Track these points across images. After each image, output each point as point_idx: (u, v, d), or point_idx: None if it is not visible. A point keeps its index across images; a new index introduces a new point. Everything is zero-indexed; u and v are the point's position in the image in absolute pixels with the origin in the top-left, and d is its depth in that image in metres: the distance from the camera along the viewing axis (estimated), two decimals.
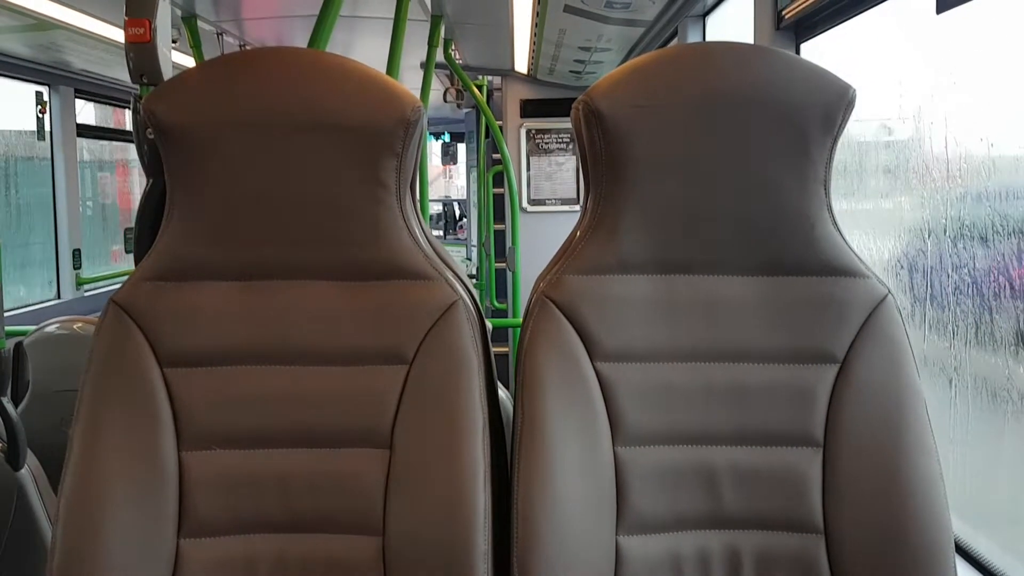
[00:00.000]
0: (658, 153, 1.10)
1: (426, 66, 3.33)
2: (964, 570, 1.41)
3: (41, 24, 3.13)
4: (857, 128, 1.78)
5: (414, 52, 3.43)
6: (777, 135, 1.09)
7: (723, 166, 1.10)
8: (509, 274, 4.61)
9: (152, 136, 1.13)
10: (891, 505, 1.06)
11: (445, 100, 5.05)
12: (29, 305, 4.02)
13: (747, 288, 1.12)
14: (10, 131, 4.14)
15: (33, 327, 2.18)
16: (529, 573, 1.04)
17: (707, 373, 1.11)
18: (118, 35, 3.32)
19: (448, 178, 11.51)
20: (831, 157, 1.11)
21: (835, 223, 1.12)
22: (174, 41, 2.84)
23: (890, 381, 1.09)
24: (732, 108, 1.09)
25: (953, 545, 1.07)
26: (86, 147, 4.99)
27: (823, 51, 1.94)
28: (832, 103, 1.09)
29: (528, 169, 4.91)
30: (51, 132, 4.12)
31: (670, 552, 1.09)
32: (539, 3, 2.96)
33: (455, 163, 10.08)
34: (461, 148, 9.19)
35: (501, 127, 4.73)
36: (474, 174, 6.78)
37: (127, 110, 5.02)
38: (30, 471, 1.72)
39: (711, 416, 1.11)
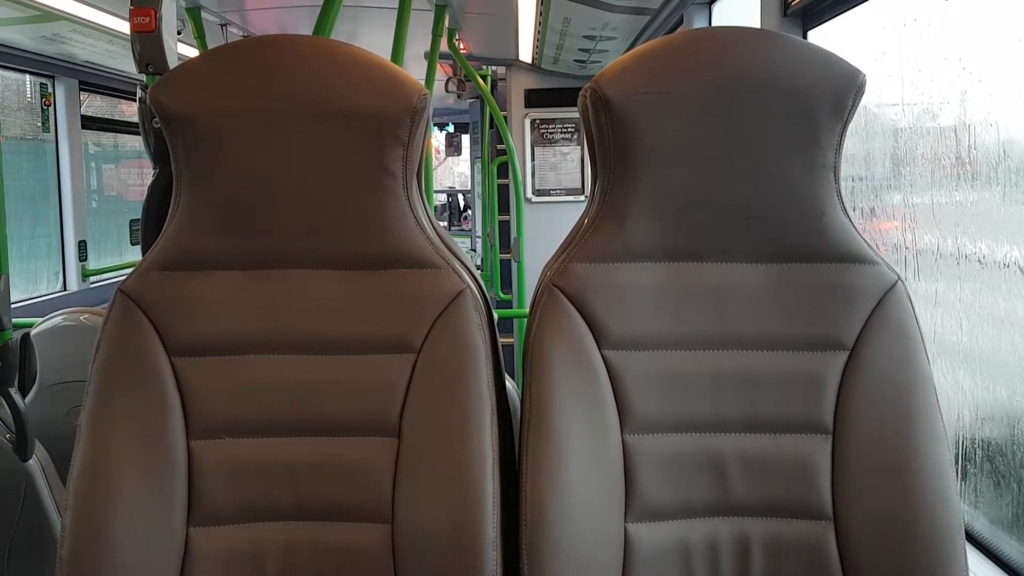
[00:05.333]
0: (666, 140, 1.09)
1: (430, 56, 3.31)
2: (974, 556, 1.41)
3: (45, 15, 3.13)
4: None
5: (418, 42, 3.41)
6: (786, 121, 1.09)
7: (732, 152, 1.10)
8: (514, 265, 4.60)
9: (158, 125, 1.13)
10: (901, 492, 1.06)
11: (447, 90, 5.03)
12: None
13: (756, 276, 1.12)
14: None
15: (39, 319, 2.18)
16: (538, 560, 1.04)
17: (716, 361, 1.11)
18: (123, 27, 3.32)
19: (438, 159, 11.00)
20: (841, 143, 1.10)
21: (844, 209, 1.11)
22: (178, 32, 2.84)
23: (900, 368, 1.09)
24: (741, 94, 1.08)
25: (963, 532, 1.07)
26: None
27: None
28: (841, 88, 1.08)
29: (533, 159, 4.89)
30: (56, 124, 4.13)
31: (679, 539, 1.09)
32: None
33: (459, 154, 10.03)
34: (465, 139, 9.17)
35: (505, 117, 4.71)
36: (478, 165, 6.77)
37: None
38: (38, 462, 1.73)
39: (720, 404, 1.10)
